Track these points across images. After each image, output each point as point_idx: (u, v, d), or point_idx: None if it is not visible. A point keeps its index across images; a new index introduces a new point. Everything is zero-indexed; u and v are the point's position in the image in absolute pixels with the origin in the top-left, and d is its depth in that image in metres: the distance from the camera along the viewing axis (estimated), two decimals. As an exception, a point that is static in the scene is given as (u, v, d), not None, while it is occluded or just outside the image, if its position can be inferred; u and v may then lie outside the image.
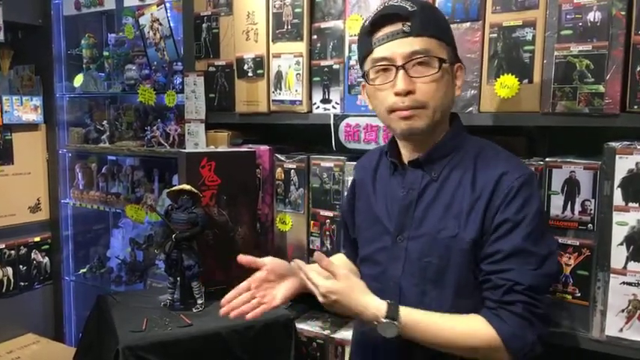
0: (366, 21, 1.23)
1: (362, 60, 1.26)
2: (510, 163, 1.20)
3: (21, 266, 2.81)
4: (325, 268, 1.15)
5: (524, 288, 1.11)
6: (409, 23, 1.16)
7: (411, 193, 1.24)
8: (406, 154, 1.28)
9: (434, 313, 1.15)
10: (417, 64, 1.16)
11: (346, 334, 1.75)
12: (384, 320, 1.10)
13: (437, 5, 1.58)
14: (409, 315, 1.12)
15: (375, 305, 1.12)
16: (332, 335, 1.79)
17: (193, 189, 1.66)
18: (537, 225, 1.15)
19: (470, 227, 1.16)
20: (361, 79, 1.72)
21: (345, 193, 1.77)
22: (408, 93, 1.16)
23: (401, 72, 1.16)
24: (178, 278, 1.69)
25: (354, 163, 1.74)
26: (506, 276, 1.12)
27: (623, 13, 1.33)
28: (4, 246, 2.73)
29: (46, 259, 2.93)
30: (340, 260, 1.49)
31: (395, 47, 1.17)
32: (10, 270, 2.75)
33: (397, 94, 1.17)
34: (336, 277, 1.15)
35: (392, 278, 1.24)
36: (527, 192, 1.15)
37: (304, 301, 1.98)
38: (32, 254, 2.86)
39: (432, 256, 1.19)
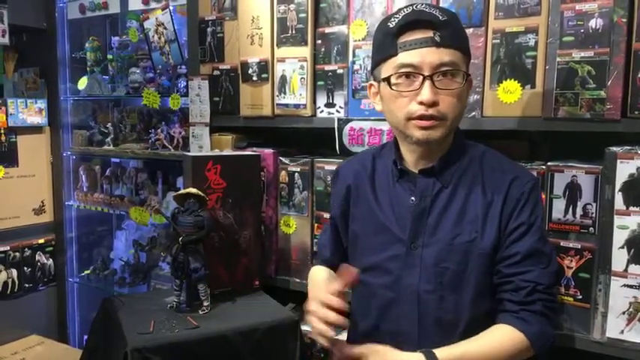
0: (389, 21, 1.20)
1: (380, 60, 1.23)
2: (515, 169, 1.27)
3: (25, 268, 2.82)
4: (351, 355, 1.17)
5: (544, 287, 1.18)
6: (439, 33, 1.15)
7: (423, 200, 1.25)
8: (412, 160, 1.28)
9: (467, 342, 1.17)
10: (442, 75, 1.16)
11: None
12: None
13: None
14: (447, 356, 1.13)
15: (412, 358, 1.13)
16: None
17: (200, 192, 1.67)
18: (543, 226, 1.25)
19: (488, 231, 1.20)
20: (365, 83, 1.73)
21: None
22: (433, 104, 1.16)
23: (428, 82, 1.15)
24: (184, 281, 1.70)
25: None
26: (528, 277, 1.18)
27: (624, 20, 1.34)
28: (8, 248, 2.75)
29: (50, 261, 2.95)
30: (325, 273, 1.44)
31: (424, 55, 1.15)
32: (14, 272, 2.76)
33: (422, 103, 1.16)
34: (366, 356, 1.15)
35: (408, 286, 1.24)
36: (536, 195, 1.24)
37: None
38: (36, 256, 2.88)
39: (449, 261, 1.21)
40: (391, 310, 1.26)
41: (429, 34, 1.15)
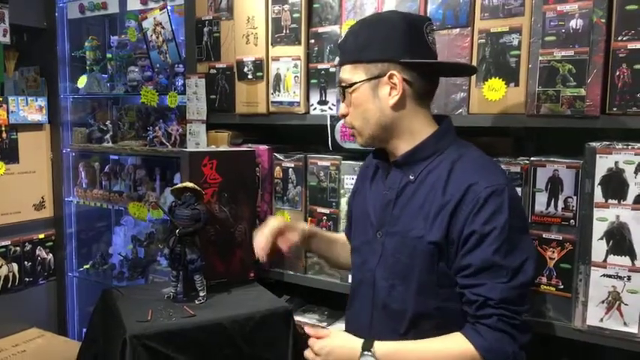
0: None
1: None
2: (482, 174, 1.19)
3: (26, 262, 2.86)
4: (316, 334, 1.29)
5: (496, 302, 1.13)
6: (339, 55, 1.35)
7: (390, 192, 1.30)
8: (390, 154, 1.35)
9: (413, 342, 1.21)
10: (340, 92, 1.32)
11: (342, 325, 1.80)
12: (365, 353, 1.18)
13: (428, 12, 1.65)
14: (383, 346, 1.19)
15: (353, 342, 1.23)
16: (328, 327, 1.85)
17: (196, 186, 1.72)
18: (508, 236, 1.14)
19: (434, 231, 1.19)
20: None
21: (342, 191, 1.85)
22: (343, 116, 1.33)
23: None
24: (181, 272, 1.75)
25: (350, 162, 1.82)
26: (477, 291, 1.15)
27: (603, 20, 1.39)
28: (9, 242, 2.79)
29: (50, 256, 2.99)
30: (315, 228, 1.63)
31: None
32: (15, 266, 2.80)
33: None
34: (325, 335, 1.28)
35: (369, 270, 1.33)
36: (496, 203, 1.14)
37: (302, 295, 2.06)
38: (37, 251, 2.92)
39: (402, 253, 1.25)
40: (356, 290, 1.38)
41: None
